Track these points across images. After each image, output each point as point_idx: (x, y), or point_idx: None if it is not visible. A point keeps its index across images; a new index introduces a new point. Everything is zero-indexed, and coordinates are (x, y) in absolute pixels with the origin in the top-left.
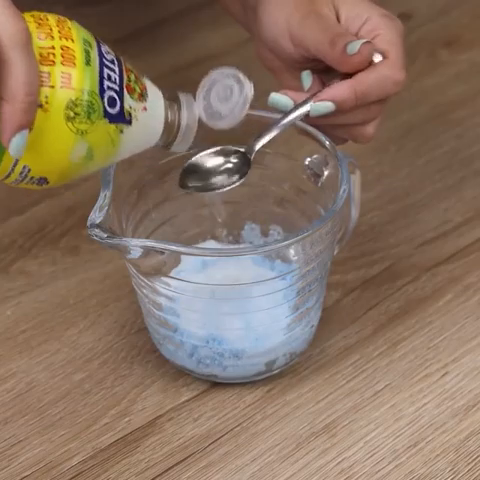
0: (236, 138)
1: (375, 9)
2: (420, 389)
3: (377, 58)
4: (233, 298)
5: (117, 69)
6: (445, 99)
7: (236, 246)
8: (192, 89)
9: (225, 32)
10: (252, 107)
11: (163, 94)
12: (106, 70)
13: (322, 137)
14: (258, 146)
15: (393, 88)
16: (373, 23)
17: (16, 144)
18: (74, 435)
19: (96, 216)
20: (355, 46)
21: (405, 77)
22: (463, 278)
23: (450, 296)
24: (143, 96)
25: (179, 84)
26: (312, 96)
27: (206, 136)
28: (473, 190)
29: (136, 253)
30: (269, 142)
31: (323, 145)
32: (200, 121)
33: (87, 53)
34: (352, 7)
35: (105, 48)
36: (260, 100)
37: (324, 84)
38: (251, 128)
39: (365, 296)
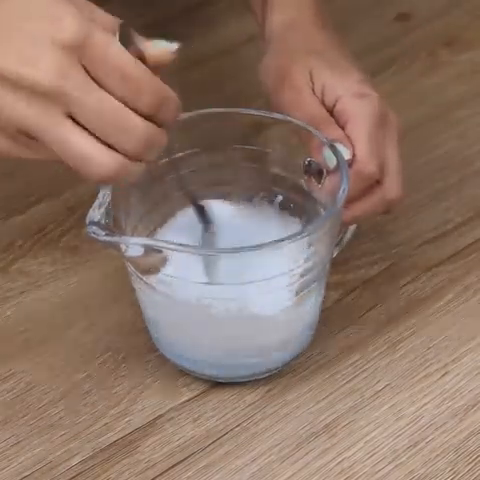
0: (236, 138)
1: (350, 83)
2: (420, 389)
3: (347, 155)
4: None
5: None
6: (445, 99)
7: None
8: (192, 89)
9: (225, 32)
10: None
11: None
12: None
13: (322, 137)
14: None
15: (368, 181)
16: (344, 104)
17: None
18: (74, 435)
19: (95, 214)
20: (332, 162)
21: (376, 166)
22: (463, 278)
23: (450, 296)
24: None
25: (180, 84)
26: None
27: (203, 136)
28: (473, 190)
29: (135, 251)
30: (269, 142)
31: (323, 145)
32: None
33: None
34: (327, 81)
35: None
36: (260, 100)
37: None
38: (251, 128)
39: (365, 296)
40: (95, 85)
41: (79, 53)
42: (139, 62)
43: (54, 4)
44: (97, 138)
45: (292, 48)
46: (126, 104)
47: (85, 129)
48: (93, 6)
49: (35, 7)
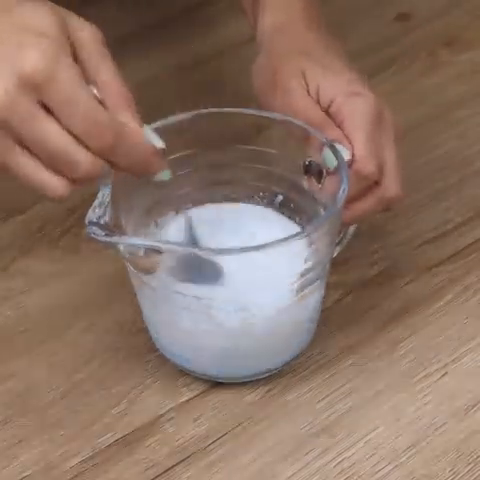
0: (235, 138)
1: (343, 83)
2: (420, 389)
3: (346, 156)
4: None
5: None
6: (445, 99)
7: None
8: (192, 89)
9: (225, 32)
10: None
11: None
12: None
13: (322, 137)
14: None
15: (367, 181)
16: (339, 104)
17: None
18: (74, 435)
19: (94, 214)
20: (332, 162)
21: (374, 166)
22: (463, 278)
23: (450, 296)
24: None
25: (180, 84)
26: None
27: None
28: (473, 190)
29: (135, 252)
30: (269, 142)
31: (323, 145)
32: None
33: None
34: (321, 82)
35: None
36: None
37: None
38: (251, 128)
39: (365, 296)
40: (44, 118)
41: (36, 86)
42: (96, 102)
43: (24, 33)
44: (47, 167)
45: (283, 50)
46: (78, 139)
47: (35, 159)
48: (74, 18)
49: (8, 31)
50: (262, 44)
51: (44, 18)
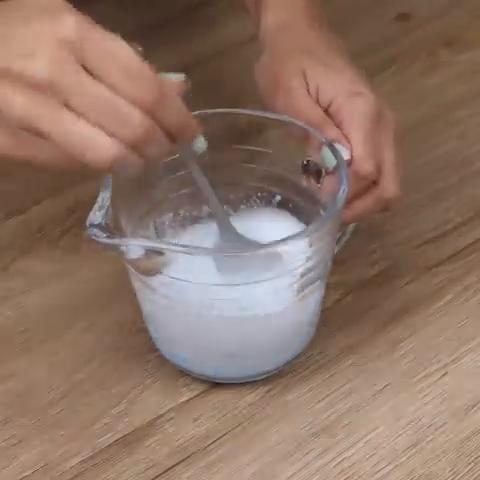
0: (235, 138)
1: (344, 82)
2: (420, 389)
3: (346, 155)
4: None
5: None
6: (445, 99)
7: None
8: (192, 89)
9: (225, 32)
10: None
11: None
12: None
13: (321, 137)
14: None
15: (365, 181)
16: (339, 103)
17: None
18: (74, 435)
19: (95, 216)
20: (331, 162)
21: (373, 165)
22: (463, 278)
23: (450, 296)
24: None
25: None
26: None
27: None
28: (473, 190)
29: (136, 253)
30: (269, 142)
31: (322, 145)
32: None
33: None
34: (321, 81)
35: None
36: (260, 100)
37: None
38: (251, 128)
39: (365, 296)
40: (90, 77)
41: (76, 47)
42: (139, 57)
43: (54, 3)
44: (96, 126)
45: (285, 49)
46: (125, 97)
47: (84, 119)
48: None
49: (36, 5)
50: (265, 43)
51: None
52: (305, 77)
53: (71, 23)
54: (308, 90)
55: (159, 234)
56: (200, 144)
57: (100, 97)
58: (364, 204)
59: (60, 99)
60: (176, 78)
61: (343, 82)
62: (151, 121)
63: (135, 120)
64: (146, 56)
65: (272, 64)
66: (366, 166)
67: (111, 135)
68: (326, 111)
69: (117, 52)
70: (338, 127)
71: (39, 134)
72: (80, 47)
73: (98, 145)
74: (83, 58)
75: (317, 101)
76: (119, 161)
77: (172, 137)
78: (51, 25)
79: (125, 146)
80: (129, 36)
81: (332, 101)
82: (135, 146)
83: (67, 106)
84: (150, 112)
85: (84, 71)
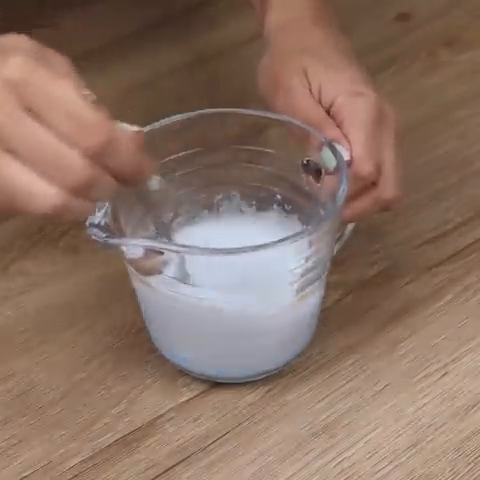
0: (235, 138)
1: (346, 82)
2: (420, 389)
3: (346, 156)
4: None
5: None
6: (445, 99)
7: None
8: (192, 89)
9: (225, 32)
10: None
11: None
12: None
13: (321, 137)
14: None
15: (364, 182)
16: (340, 104)
17: None
18: (74, 435)
19: (95, 216)
20: (331, 162)
21: (372, 166)
22: (463, 278)
23: (450, 296)
24: None
25: (180, 84)
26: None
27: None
28: (473, 190)
29: (135, 253)
30: (269, 142)
31: (322, 145)
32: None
33: None
34: (322, 80)
35: None
36: (260, 100)
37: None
38: (251, 128)
39: (365, 296)
40: (32, 121)
41: (20, 89)
42: (86, 101)
43: (15, 42)
44: (37, 173)
45: (286, 48)
46: (68, 142)
47: (24, 165)
48: (49, 51)
49: None
50: (268, 42)
51: (20, 38)
52: (307, 76)
53: (16, 65)
54: (310, 89)
55: (159, 234)
56: (154, 183)
57: (41, 143)
58: (363, 205)
59: (1, 143)
60: (130, 128)
61: (345, 82)
62: (96, 167)
63: (77, 167)
64: (146, 56)
65: (273, 63)
66: (365, 167)
67: (52, 182)
68: (328, 111)
69: (62, 95)
70: (339, 127)
71: None
72: (24, 90)
73: (39, 194)
74: (27, 101)
75: (319, 101)
76: (61, 209)
77: (123, 180)
78: None
79: (67, 193)
80: (129, 36)
81: (333, 101)
82: (78, 193)
83: (9, 151)
84: (95, 157)
85: (28, 115)
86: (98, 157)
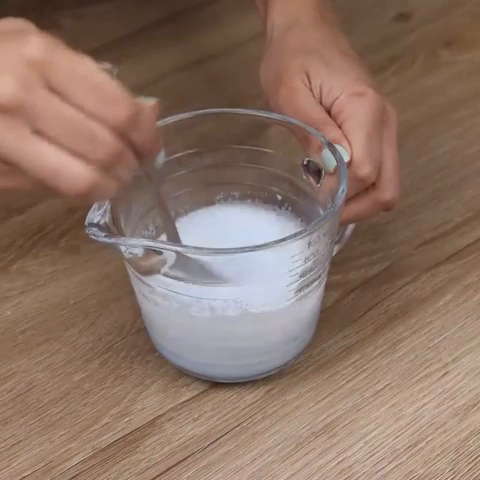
0: (235, 138)
1: (347, 82)
2: (420, 389)
3: (346, 157)
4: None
5: None
6: (445, 99)
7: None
8: (193, 89)
9: (226, 32)
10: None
11: None
12: None
13: (321, 138)
14: None
15: (363, 183)
16: (340, 104)
17: None
18: (74, 435)
19: (94, 215)
20: (331, 163)
21: (371, 168)
22: (463, 278)
23: (450, 296)
24: None
25: (180, 84)
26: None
27: (203, 136)
28: (473, 190)
29: (134, 253)
30: (269, 142)
31: (322, 146)
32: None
33: None
34: (324, 80)
35: None
36: (260, 100)
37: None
38: (251, 128)
39: (365, 296)
40: (58, 100)
41: (44, 68)
42: (109, 76)
43: (20, 25)
44: (67, 152)
45: (289, 48)
46: (95, 118)
47: (53, 144)
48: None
49: (1, 28)
50: (271, 41)
51: (22, 21)
52: (308, 76)
53: (37, 44)
54: (311, 89)
55: (159, 234)
56: (160, 158)
57: (69, 119)
58: (361, 206)
59: (29, 124)
60: (148, 101)
61: (346, 82)
62: (122, 142)
63: (107, 142)
64: (148, 55)
65: (275, 62)
66: (365, 169)
67: (83, 159)
68: (329, 111)
69: (85, 72)
70: (339, 127)
71: (8, 163)
72: (47, 68)
73: (71, 173)
74: (51, 80)
75: (320, 100)
76: (95, 187)
77: (139, 156)
78: (17, 47)
79: (98, 170)
80: (130, 36)
81: (335, 101)
82: (108, 169)
83: (36, 131)
84: (121, 133)
85: (53, 94)
86: (125, 131)
